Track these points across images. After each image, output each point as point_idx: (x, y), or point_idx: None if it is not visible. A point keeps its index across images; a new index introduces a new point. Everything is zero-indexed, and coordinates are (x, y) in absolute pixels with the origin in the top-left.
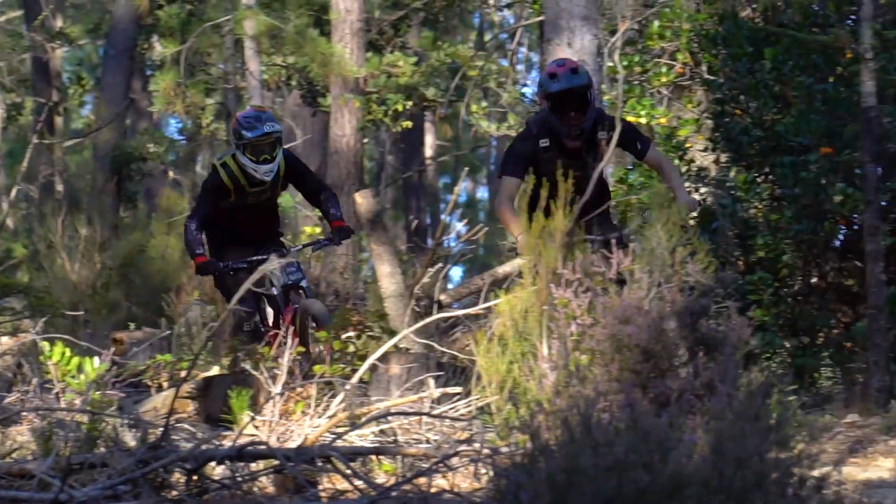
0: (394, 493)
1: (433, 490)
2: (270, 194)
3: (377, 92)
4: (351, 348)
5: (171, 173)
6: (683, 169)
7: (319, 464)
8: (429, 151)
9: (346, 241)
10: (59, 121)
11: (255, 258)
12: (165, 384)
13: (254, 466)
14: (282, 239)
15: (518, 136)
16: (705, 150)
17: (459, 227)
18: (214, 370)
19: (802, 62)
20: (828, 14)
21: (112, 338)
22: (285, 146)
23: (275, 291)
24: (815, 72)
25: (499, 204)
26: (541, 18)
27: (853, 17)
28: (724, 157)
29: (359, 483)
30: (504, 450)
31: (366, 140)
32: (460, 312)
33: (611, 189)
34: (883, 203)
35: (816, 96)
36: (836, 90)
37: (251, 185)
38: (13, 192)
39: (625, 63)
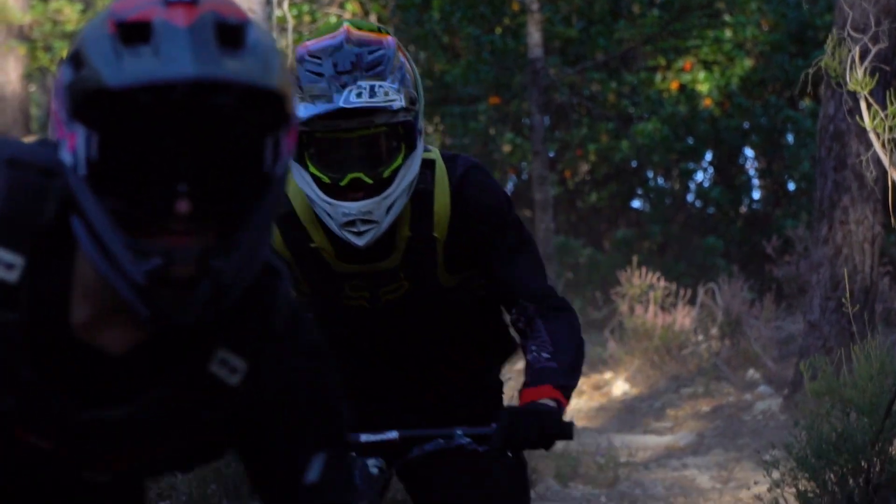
0: None
1: None
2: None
3: (43, 39)
4: None
5: None
6: None
7: None
8: None
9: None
10: None
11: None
12: None
13: None
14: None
15: None
16: None
17: None
18: None
19: (470, 13)
20: None
21: None
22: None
23: None
24: (482, 23)
25: None
26: None
27: None
28: None
29: None
30: None
31: (32, 88)
32: None
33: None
34: (550, 154)
35: (485, 47)
36: (503, 41)
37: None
38: None
39: (294, 12)
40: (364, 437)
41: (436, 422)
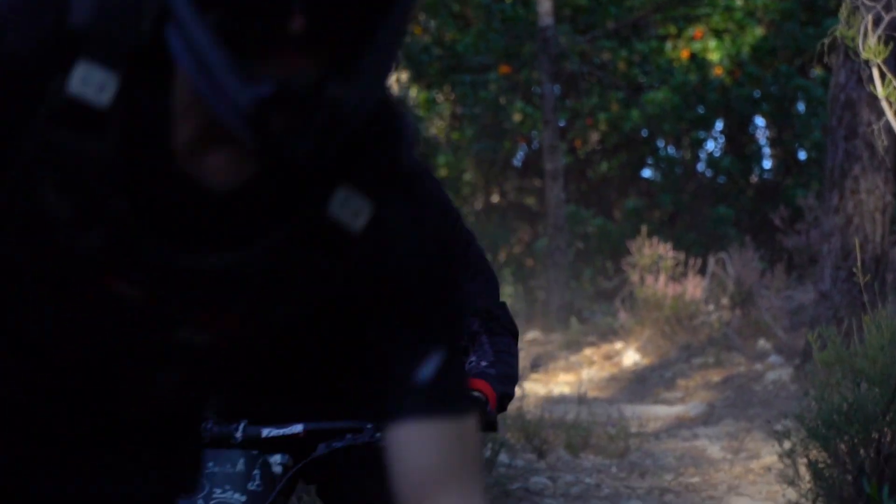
0: None
1: None
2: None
3: None
4: None
5: None
6: None
7: None
8: None
9: None
10: None
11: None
12: None
13: None
14: None
15: None
16: None
17: None
18: None
19: None
20: None
21: None
22: None
23: None
24: None
25: None
26: None
27: None
28: (404, 76)
29: None
30: None
31: None
32: None
33: None
34: (561, 123)
35: (495, 15)
36: (513, 9)
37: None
38: None
39: None
40: (266, 432)
41: (346, 413)
